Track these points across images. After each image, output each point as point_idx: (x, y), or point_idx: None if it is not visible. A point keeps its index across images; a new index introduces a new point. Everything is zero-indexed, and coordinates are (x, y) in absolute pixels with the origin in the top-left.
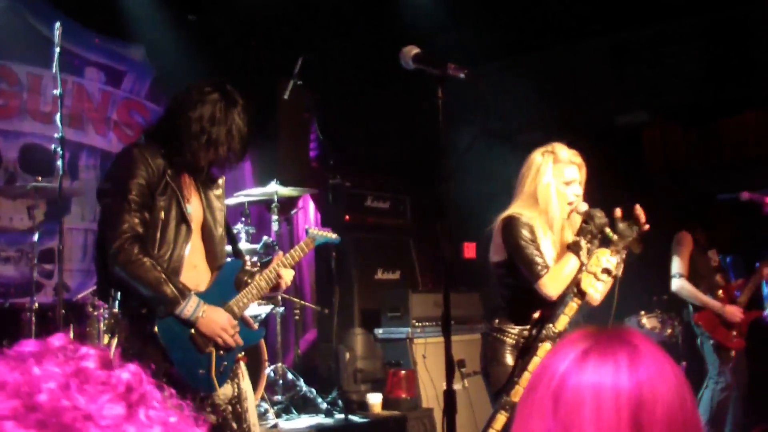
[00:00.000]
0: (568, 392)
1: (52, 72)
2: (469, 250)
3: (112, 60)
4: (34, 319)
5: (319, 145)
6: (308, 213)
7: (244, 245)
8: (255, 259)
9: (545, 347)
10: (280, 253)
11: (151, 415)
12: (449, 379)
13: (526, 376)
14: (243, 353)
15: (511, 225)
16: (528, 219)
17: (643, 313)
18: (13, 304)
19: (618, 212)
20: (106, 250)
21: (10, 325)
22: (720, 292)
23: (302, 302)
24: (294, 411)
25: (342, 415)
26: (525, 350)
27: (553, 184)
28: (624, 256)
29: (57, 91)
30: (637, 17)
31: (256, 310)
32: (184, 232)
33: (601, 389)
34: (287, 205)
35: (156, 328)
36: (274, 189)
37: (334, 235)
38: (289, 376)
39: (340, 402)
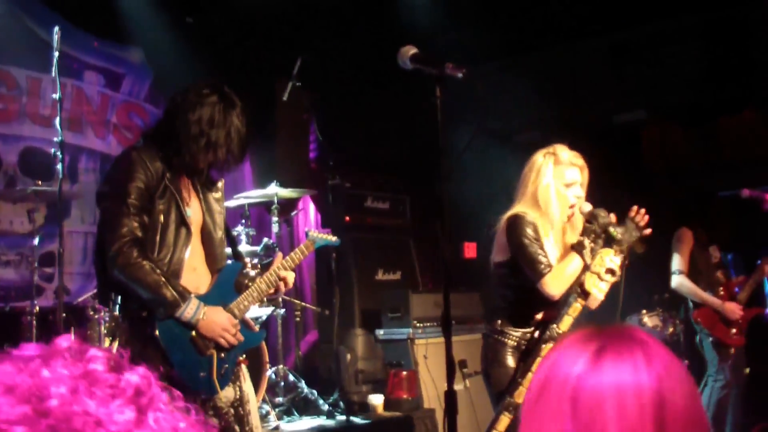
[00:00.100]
0: (587, 394)
1: (52, 75)
2: (470, 250)
3: (111, 63)
4: (34, 322)
5: (319, 146)
6: (308, 214)
7: (244, 247)
8: (255, 261)
9: (549, 348)
10: (280, 255)
11: (160, 421)
12: (450, 379)
13: (530, 377)
14: (244, 356)
15: (516, 223)
16: (532, 218)
17: (644, 311)
18: (14, 308)
19: (612, 218)
20: (105, 253)
21: (10, 328)
22: (720, 289)
23: (303, 304)
24: (295, 413)
25: (343, 417)
26: (528, 351)
27: (553, 186)
28: (627, 255)
29: (56, 95)
30: (637, 17)
31: (257, 312)
32: (184, 235)
33: (622, 388)
34: (287, 206)
35: (156, 331)
36: (274, 191)
37: (333, 238)
38: (291, 377)
39: (341, 403)
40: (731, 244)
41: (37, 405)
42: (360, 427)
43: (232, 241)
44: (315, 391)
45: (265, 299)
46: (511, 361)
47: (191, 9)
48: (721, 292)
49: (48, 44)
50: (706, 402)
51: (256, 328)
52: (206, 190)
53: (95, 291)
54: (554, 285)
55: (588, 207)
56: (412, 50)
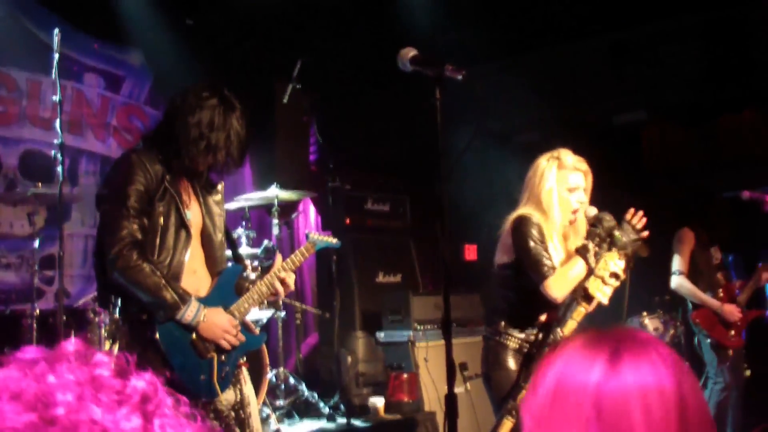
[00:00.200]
0: (611, 398)
1: (52, 78)
2: (470, 252)
3: (111, 65)
4: (35, 325)
5: (319, 148)
6: (309, 216)
7: (244, 249)
8: (256, 263)
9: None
10: (280, 257)
11: (165, 427)
12: (450, 382)
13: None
14: (245, 358)
15: (522, 224)
16: (538, 220)
17: (645, 313)
18: (14, 311)
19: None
20: (105, 256)
21: (11, 331)
22: (720, 290)
23: (303, 306)
24: (296, 415)
25: (344, 419)
26: (530, 355)
27: (556, 190)
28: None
29: (56, 97)
30: (637, 17)
31: (258, 314)
32: (184, 238)
33: (646, 389)
34: (287, 208)
35: (156, 334)
36: (274, 193)
37: (334, 240)
38: (291, 380)
39: (342, 406)
40: (731, 245)
41: (43, 412)
42: (361, 429)
43: (233, 244)
44: (315, 394)
45: (265, 302)
46: (512, 364)
47: (191, 10)
48: (721, 294)
49: (48, 46)
50: None
51: (257, 330)
52: (206, 192)
53: (95, 294)
54: (557, 288)
55: (593, 211)
56: (411, 52)
